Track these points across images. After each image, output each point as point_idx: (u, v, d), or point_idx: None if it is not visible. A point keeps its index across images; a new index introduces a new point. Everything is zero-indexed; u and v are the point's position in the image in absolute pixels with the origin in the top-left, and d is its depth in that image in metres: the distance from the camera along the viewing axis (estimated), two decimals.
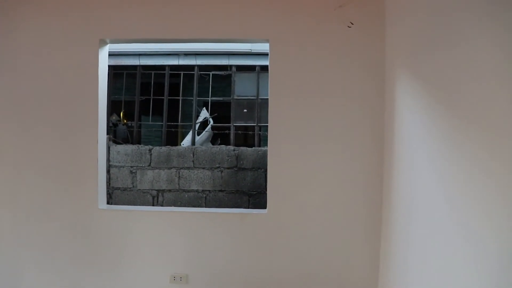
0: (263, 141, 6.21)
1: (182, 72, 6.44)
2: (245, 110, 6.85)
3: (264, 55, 4.97)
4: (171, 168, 5.18)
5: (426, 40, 2.12)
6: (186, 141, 6.29)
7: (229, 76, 6.34)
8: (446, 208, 1.81)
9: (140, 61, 6.42)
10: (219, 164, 5.14)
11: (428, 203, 2.06)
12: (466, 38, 1.66)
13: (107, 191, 4.55)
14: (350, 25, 2.88)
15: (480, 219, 1.50)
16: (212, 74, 6.62)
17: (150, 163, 5.21)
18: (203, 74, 6.56)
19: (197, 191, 5.15)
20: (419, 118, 2.27)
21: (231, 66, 6.35)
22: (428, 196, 2.06)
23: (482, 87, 1.51)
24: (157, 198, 5.20)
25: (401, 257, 2.50)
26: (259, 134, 6.09)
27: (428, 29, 2.09)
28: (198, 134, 6.32)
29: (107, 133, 3.55)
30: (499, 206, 1.37)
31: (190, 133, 6.24)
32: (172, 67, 6.42)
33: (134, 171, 5.22)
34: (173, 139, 7.11)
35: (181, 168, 5.17)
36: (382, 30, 2.94)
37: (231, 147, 5.25)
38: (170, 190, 5.18)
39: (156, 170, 5.20)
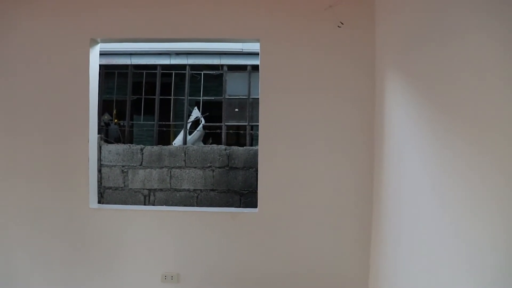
0: (255, 140, 6.23)
1: (173, 72, 6.43)
2: (236, 110, 6.86)
3: (255, 54, 4.98)
4: (163, 167, 5.18)
5: (416, 38, 2.13)
6: (178, 140, 6.28)
7: (221, 75, 6.33)
8: (436, 206, 1.83)
9: (132, 61, 6.40)
10: (210, 163, 5.15)
11: (418, 201, 2.08)
12: (456, 35, 1.67)
13: (99, 190, 4.54)
14: (340, 25, 2.91)
15: (470, 217, 1.51)
16: (203, 73, 6.62)
17: (141, 162, 5.20)
18: (194, 73, 6.56)
19: (188, 190, 5.15)
20: (409, 116, 2.29)
21: (222, 65, 6.35)
22: (418, 194, 2.08)
23: (472, 84, 1.52)
24: (149, 197, 5.20)
25: (391, 255, 2.53)
26: (251, 133, 6.10)
27: (419, 26, 2.11)
28: (190, 134, 6.32)
29: (99, 133, 3.54)
30: (489, 204, 1.39)
31: (182, 133, 6.23)
32: (164, 67, 6.41)
33: (125, 170, 5.21)
34: (165, 139, 7.10)
35: (173, 168, 5.17)
36: (372, 29, 2.97)
37: (223, 147, 5.26)
38: (161, 190, 5.18)
39: (148, 170, 5.19)
